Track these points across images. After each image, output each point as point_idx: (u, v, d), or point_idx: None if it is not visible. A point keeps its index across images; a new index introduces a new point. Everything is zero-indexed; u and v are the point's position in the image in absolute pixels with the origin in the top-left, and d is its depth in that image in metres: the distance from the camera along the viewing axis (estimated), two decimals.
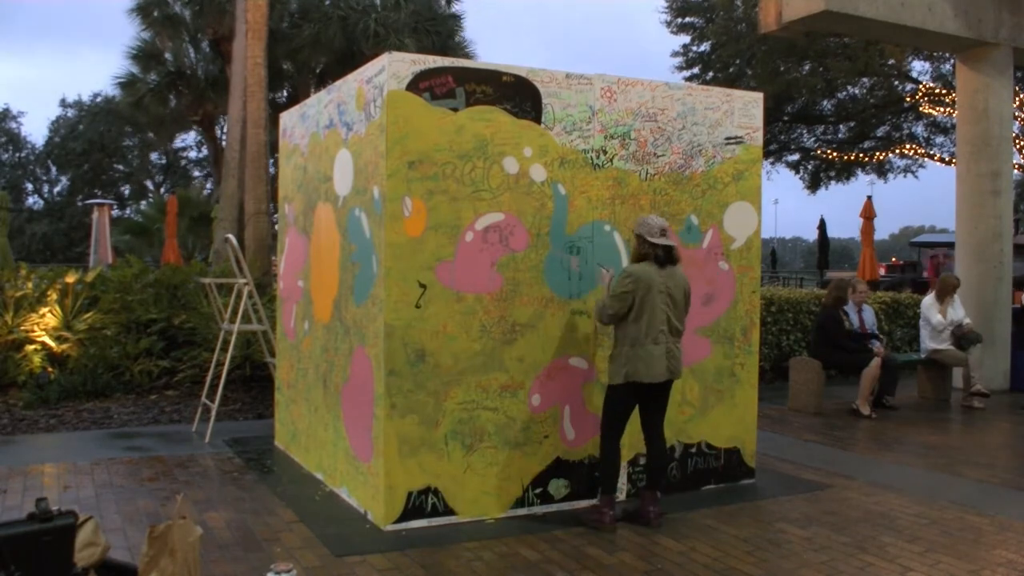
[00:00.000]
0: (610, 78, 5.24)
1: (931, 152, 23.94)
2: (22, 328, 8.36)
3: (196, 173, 42.47)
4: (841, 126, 25.53)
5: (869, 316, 9.17)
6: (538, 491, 5.03)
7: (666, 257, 4.76)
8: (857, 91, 23.77)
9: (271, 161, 14.97)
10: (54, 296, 8.72)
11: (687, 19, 23.99)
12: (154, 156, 42.73)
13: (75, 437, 6.91)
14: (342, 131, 5.34)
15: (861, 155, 24.92)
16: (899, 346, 11.52)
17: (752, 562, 4.26)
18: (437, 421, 4.73)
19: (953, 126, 17.21)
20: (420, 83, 4.67)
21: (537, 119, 4.98)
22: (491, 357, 4.86)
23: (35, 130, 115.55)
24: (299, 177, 6.29)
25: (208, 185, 37.35)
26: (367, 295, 4.89)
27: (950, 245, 17.04)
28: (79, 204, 38.27)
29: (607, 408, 4.88)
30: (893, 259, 35.49)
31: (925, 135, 24.97)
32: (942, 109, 21.38)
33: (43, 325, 8.49)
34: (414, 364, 4.68)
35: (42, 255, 36.86)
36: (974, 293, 9.98)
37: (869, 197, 15.53)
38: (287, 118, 6.68)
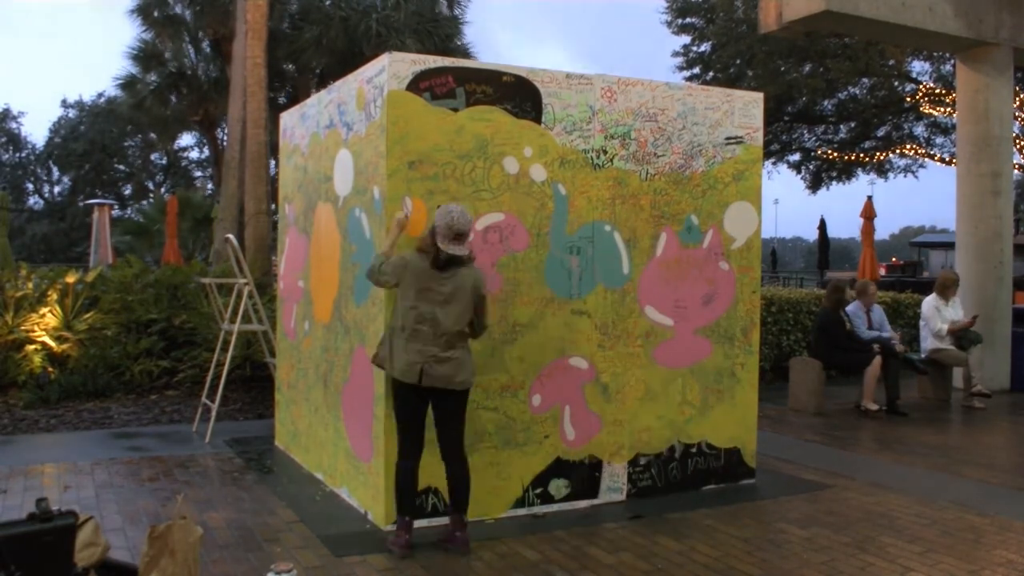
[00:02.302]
0: (610, 78, 5.24)
1: (931, 152, 23.95)
2: (22, 328, 8.37)
3: (197, 173, 42.53)
4: (842, 126, 25.53)
5: (878, 315, 9.19)
6: (538, 491, 5.03)
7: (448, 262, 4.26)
8: (857, 91, 23.77)
9: (272, 161, 14.97)
10: (54, 296, 8.72)
11: (688, 20, 23.99)
12: (155, 156, 42.75)
13: (75, 437, 6.91)
14: (342, 131, 5.34)
15: (862, 155, 24.93)
16: None
17: (752, 562, 4.25)
18: None
19: (953, 126, 17.20)
20: (420, 83, 4.67)
21: (537, 119, 4.98)
22: (491, 357, 4.85)
23: (36, 130, 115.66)
24: (299, 177, 6.29)
25: (209, 185, 37.37)
26: (367, 295, 4.89)
27: (950, 245, 17.01)
28: (80, 204, 38.27)
29: (392, 407, 4.48)
30: (893, 259, 35.44)
31: (926, 135, 24.97)
32: (942, 109, 21.38)
33: (43, 325, 8.49)
34: None
35: (43, 255, 36.86)
36: (974, 293, 9.98)
37: (869, 197, 15.50)
38: (287, 118, 6.68)
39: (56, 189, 45.52)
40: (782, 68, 22.24)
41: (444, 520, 4.69)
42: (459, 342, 4.33)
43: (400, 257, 4.34)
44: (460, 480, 4.41)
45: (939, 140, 24.65)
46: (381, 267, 4.33)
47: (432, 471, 4.71)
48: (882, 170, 26.27)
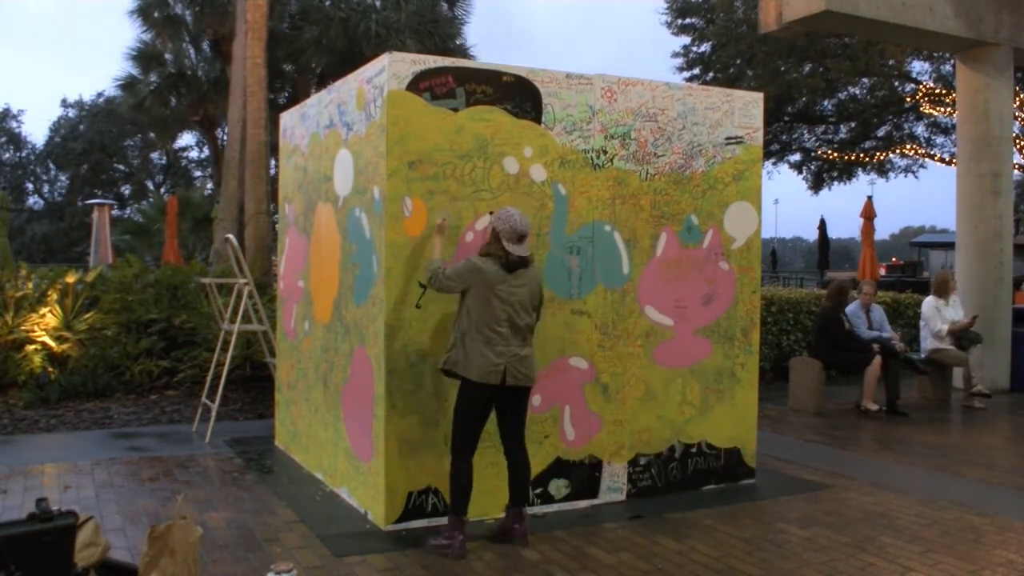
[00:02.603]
0: (610, 78, 5.24)
1: (932, 152, 23.94)
2: (22, 328, 8.36)
3: (197, 173, 42.53)
4: (842, 126, 25.53)
5: (878, 315, 9.19)
6: (538, 491, 5.03)
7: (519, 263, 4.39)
8: (857, 91, 23.77)
9: (272, 161, 14.97)
10: (54, 296, 8.72)
11: (688, 20, 23.99)
12: (155, 156, 42.76)
13: (75, 437, 6.91)
14: (342, 131, 5.34)
15: (862, 155, 24.93)
16: None
17: (752, 562, 4.25)
18: (437, 421, 4.74)
19: (953, 126, 17.21)
20: (420, 83, 4.67)
21: (537, 119, 4.98)
22: None
23: (35, 130, 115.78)
24: (299, 177, 6.29)
25: (209, 185, 37.37)
26: (367, 295, 4.89)
27: (950, 245, 17.02)
28: (79, 204, 38.29)
29: (456, 410, 4.46)
30: (893, 259, 35.45)
31: (926, 135, 24.98)
32: (942, 109, 21.39)
33: (43, 325, 8.49)
34: (414, 364, 4.68)
35: (42, 255, 36.87)
36: (974, 293, 9.98)
37: (869, 197, 15.51)
38: (287, 118, 6.68)
39: (56, 189, 45.54)
40: (782, 68, 22.24)
41: (444, 520, 4.67)
42: (530, 339, 4.49)
43: (470, 263, 4.40)
44: (524, 469, 4.53)
45: (939, 140, 24.67)
46: (445, 272, 4.40)
47: (433, 470, 4.72)
48: (882, 170, 26.27)
